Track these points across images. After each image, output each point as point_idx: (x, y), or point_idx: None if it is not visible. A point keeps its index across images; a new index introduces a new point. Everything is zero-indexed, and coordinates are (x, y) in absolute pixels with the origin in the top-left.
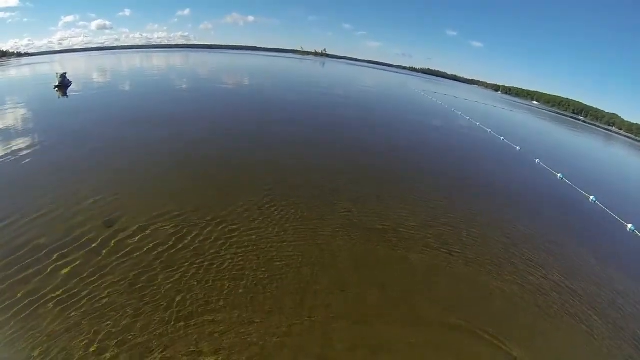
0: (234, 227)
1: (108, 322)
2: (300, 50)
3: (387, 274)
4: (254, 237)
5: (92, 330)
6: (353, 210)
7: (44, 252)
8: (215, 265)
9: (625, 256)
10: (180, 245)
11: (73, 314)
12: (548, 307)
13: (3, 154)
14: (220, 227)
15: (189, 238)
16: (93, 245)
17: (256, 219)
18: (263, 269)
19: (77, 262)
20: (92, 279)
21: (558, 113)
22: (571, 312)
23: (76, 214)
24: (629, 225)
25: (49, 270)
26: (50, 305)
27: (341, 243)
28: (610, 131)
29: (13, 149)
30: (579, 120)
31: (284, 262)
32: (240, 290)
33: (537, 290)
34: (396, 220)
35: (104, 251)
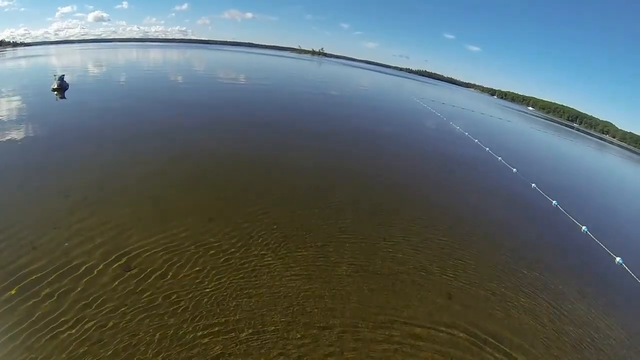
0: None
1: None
2: (298, 48)
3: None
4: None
5: None
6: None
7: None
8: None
9: (611, 291)
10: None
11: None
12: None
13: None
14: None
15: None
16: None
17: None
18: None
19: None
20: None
21: (552, 120)
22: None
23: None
24: (618, 259)
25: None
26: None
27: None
28: (604, 140)
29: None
30: (573, 127)
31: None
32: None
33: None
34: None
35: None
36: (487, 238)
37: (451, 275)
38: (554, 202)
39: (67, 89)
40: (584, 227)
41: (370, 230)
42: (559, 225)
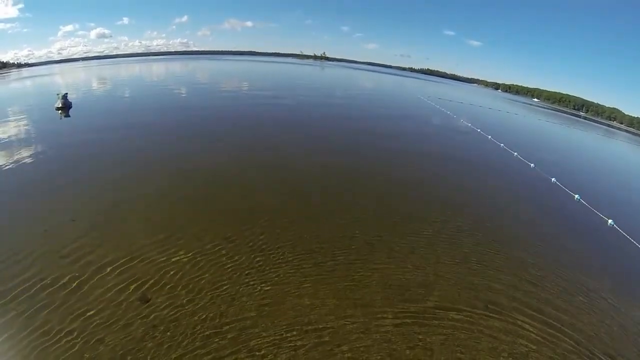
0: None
1: None
2: (300, 54)
3: None
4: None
5: None
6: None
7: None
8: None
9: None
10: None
11: None
12: None
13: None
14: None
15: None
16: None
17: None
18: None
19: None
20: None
21: (559, 110)
22: None
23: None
24: None
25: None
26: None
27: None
28: (612, 126)
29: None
30: (580, 116)
31: None
32: None
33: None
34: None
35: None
36: (514, 239)
37: (480, 274)
38: (576, 196)
39: (70, 107)
40: (610, 221)
41: (395, 236)
42: (585, 221)
